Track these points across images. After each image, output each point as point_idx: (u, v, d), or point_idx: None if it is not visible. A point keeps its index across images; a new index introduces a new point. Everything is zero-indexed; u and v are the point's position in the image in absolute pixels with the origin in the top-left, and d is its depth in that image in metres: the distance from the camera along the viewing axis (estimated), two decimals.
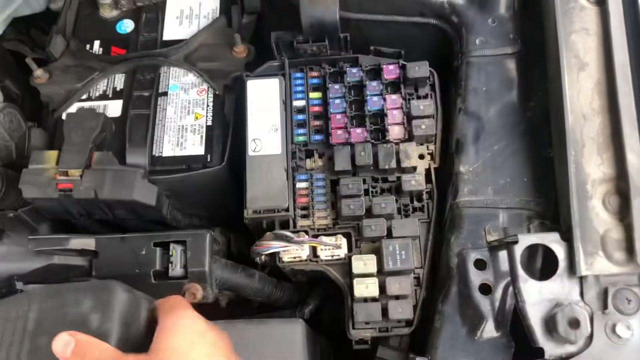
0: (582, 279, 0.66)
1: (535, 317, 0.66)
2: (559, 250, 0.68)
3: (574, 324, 0.63)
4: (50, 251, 0.83)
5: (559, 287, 0.67)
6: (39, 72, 0.99)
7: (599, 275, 0.66)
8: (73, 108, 0.98)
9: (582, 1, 0.76)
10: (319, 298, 0.96)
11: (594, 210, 0.68)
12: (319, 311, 0.98)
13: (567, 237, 0.68)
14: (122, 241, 0.84)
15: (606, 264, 0.66)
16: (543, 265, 0.73)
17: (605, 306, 0.65)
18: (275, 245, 0.82)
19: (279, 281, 0.95)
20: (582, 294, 0.66)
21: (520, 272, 0.67)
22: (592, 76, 0.73)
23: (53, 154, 0.89)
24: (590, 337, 0.64)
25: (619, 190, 0.69)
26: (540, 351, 0.65)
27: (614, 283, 0.66)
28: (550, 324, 0.65)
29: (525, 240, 0.68)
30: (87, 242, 0.83)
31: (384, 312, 0.80)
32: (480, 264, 0.75)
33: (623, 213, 0.68)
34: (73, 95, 0.98)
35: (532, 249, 0.69)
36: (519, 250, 0.68)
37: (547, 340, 0.65)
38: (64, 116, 0.96)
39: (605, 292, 0.66)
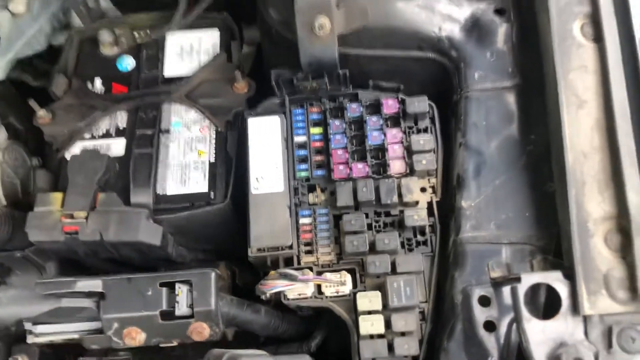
0: (586, 318, 0.67)
1: (540, 357, 0.66)
2: (562, 289, 0.68)
3: None
4: (58, 294, 0.84)
5: (562, 326, 0.67)
6: (42, 113, 1.00)
7: (603, 315, 0.67)
8: (77, 147, 0.98)
9: (580, 39, 0.76)
10: (325, 330, 0.96)
11: (596, 248, 0.69)
12: (326, 340, 0.98)
13: (570, 276, 0.69)
14: (128, 282, 0.85)
15: (610, 303, 0.67)
16: (547, 301, 0.73)
17: (610, 345, 0.66)
18: (280, 285, 0.83)
19: (284, 314, 0.95)
20: (586, 333, 0.67)
21: (524, 313, 0.68)
22: (591, 114, 0.74)
23: (58, 195, 0.90)
24: None
25: (620, 228, 0.70)
26: None
27: (618, 322, 0.66)
28: None
29: (528, 279, 0.69)
30: (94, 284, 0.84)
31: (390, 347, 0.81)
32: (484, 301, 0.75)
33: (625, 251, 0.69)
34: (76, 135, 0.99)
35: (535, 286, 0.70)
36: (522, 290, 0.68)
37: None
38: (67, 156, 0.97)
39: (609, 331, 0.66)
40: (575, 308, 0.67)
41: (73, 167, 0.91)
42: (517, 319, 0.68)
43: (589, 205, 0.70)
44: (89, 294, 0.85)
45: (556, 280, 0.69)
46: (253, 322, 0.91)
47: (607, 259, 0.69)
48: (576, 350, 0.65)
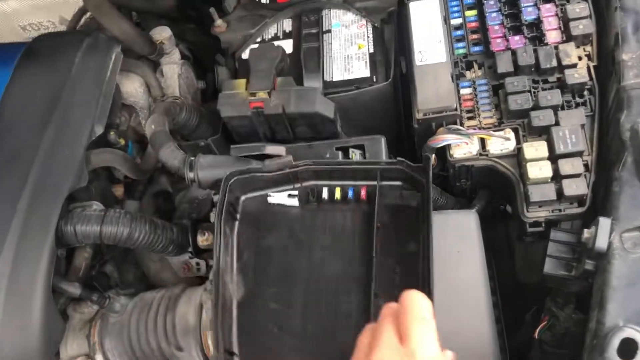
0: None
1: None
2: None
3: None
4: (249, 156, 0.95)
5: None
6: (219, 22, 1.14)
7: None
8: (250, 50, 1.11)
9: None
10: (484, 201, 1.01)
11: None
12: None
13: None
14: (309, 147, 0.96)
15: None
16: None
17: None
18: (448, 138, 0.90)
19: (442, 191, 1.02)
20: None
21: None
22: None
23: (242, 81, 1.02)
24: None
25: None
26: None
27: None
28: None
29: None
30: (279, 149, 0.95)
31: (558, 193, 0.85)
32: None
33: None
34: (249, 39, 1.12)
35: None
36: None
37: None
38: (243, 56, 1.10)
39: None
40: None
41: (254, 56, 1.03)
42: None
43: None
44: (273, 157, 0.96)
45: None
46: None
47: None
48: None
